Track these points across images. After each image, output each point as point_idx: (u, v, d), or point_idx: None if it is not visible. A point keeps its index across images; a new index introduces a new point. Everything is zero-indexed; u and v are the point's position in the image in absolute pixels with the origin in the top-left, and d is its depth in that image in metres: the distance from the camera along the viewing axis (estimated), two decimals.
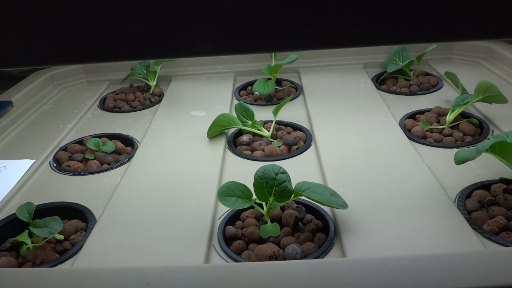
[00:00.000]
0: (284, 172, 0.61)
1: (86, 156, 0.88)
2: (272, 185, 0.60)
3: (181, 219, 0.68)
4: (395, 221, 0.64)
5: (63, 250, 0.66)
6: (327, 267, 0.47)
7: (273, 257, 0.58)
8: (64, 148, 0.92)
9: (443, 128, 0.88)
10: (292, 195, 0.61)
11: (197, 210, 0.69)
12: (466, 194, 0.69)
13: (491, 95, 0.83)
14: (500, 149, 0.65)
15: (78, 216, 0.72)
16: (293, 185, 0.62)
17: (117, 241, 0.64)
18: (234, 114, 0.92)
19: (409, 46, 1.15)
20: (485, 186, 0.70)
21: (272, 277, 0.46)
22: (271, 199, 0.61)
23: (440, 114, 0.93)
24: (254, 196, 0.63)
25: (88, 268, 0.58)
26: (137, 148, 0.90)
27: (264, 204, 0.65)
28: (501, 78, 1.07)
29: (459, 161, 0.64)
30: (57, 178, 0.82)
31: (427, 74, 1.15)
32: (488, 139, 0.76)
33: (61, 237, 0.67)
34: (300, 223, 0.64)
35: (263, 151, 0.84)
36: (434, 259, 0.48)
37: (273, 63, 1.09)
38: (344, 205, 0.61)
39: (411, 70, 1.13)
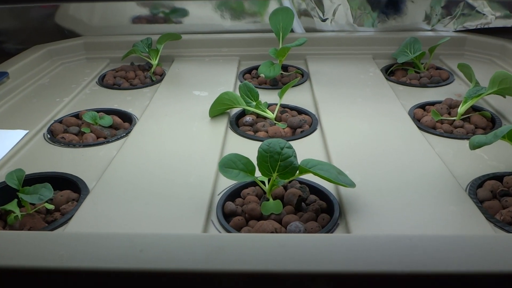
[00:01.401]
0: (290, 147, 0.58)
1: (82, 130, 0.84)
2: (276, 160, 0.57)
3: (178, 194, 0.64)
4: (404, 205, 0.60)
5: (53, 221, 0.62)
6: (334, 242, 0.43)
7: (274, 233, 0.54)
8: (60, 121, 0.88)
9: (454, 120, 0.85)
10: (298, 172, 0.58)
11: (196, 186, 0.66)
12: (478, 183, 0.66)
13: (507, 86, 0.80)
14: None
15: (70, 187, 0.68)
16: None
17: (110, 212, 0.61)
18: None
19: (422, 38, 1.12)
20: (497, 177, 0.67)
21: (275, 249, 0.42)
22: (274, 175, 0.58)
23: (451, 106, 0.89)
24: (256, 174, 0.59)
25: (78, 232, 0.55)
26: (135, 124, 0.87)
27: (266, 181, 0.61)
28: None
29: (475, 145, 0.61)
30: (50, 150, 0.79)
31: (438, 68, 1.11)
32: None
33: (51, 207, 0.64)
34: (303, 203, 0.61)
35: (267, 132, 0.81)
36: (448, 240, 0.44)
37: (280, 46, 1.06)
38: (352, 184, 0.58)
39: (422, 63, 1.10)
